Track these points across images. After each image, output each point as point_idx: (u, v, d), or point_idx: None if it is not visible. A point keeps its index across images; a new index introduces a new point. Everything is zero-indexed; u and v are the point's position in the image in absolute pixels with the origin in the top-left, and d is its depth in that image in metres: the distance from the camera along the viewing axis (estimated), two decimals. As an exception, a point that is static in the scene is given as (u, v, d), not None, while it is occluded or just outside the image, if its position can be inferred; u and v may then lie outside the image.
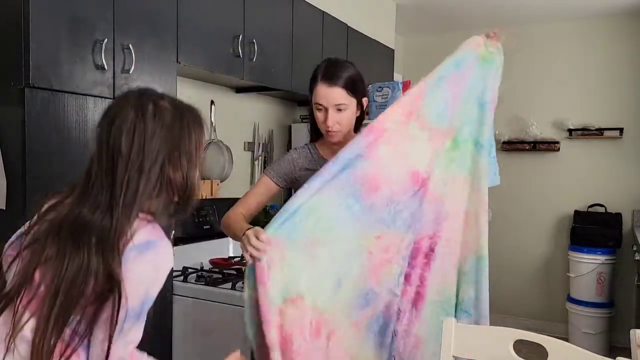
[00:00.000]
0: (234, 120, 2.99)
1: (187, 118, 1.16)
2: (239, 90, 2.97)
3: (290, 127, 3.38)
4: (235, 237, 1.59)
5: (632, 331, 1.36)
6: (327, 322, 1.52)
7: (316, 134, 1.76)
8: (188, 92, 2.60)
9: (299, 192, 1.50)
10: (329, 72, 1.63)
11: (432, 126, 1.58)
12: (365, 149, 1.52)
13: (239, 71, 2.45)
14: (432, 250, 1.61)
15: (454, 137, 1.61)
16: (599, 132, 4.20)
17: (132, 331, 1.06)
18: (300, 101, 3.40)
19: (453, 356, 1.46)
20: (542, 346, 1.38)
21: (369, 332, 1.56)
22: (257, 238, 1.44)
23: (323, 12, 3.03)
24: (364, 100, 1.71)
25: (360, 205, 1.52)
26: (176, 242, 2.15)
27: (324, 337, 1.52)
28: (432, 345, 1.58)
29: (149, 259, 1.07)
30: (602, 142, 4.24)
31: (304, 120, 3.38)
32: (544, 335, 1.39)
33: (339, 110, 1.62)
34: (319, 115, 1.65)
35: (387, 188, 1.54)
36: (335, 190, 1.51)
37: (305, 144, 1.79)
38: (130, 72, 1.86)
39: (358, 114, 1.71)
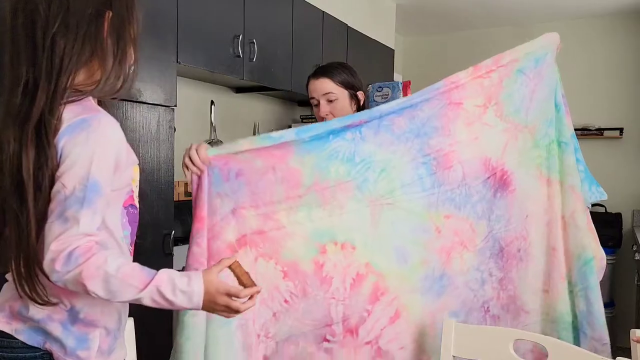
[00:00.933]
0: (234, 120, 2.99)
1: None
2: (239, 90, 2.97)
3: (290, 127, 3.37)
4: None
5: (632, 331, 1.37)
6: (393, 289, 1.43)
7: None
8: (188, 92, 2.60)
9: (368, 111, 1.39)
10: (317, 70, 1.72)
11: (509, 118, 1.52)
12: (442, 121, 1.43)
13: (239, 71, 2.45)
14: (519, 251, 1.56)
15: (534, 137, 1.57)
16: (599, 132, 4.20)
17: (79, 219, 0.93)
18: (300, 101, 3.40)
19: (453, 356, 1.46)
20: (542, 346, 1.38)
21: None
22: (197, 153, 1.33)
23: (323, 12, 3.02)
24: (360, 94, 1.72)
25: (431, 179, 1.44)
26: (176, 242, 2.15)
27: (386, 304, 1.43)
28: None
29: (83, 138, 0.96)
30: (602, 142, 4.24)
31: (304, 120, 3.38)
32: (544, 336, 1.39)
33: (330, 101, 1.66)
34: (316, 111, 1.70)
35: (460, 168, 1.47)
36: (409, 155, 1.41)
37: None
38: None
39: (355, 108, 1.71)
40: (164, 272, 0.98)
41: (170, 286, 0.97)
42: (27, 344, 1.03)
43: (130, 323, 1.39)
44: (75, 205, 0.94)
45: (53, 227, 0.94)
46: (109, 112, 1.06)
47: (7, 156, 0.96)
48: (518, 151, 1.55)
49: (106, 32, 1.04)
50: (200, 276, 1.00)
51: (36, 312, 1.02)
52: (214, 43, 2.30)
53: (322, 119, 1.65)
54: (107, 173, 0.99)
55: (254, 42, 2.48)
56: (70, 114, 0.98)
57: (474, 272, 1.52)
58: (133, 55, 1.12)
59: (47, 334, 1.03)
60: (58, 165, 0.96)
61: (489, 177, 1.52)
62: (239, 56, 2.41)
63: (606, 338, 1.54)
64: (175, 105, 2.08)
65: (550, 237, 1.57)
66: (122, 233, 1.11)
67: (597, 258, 1.56)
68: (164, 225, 2.04)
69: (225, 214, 1.34)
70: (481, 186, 1.51)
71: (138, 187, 1.21)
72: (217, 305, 1.01)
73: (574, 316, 1.55)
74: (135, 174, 1.15)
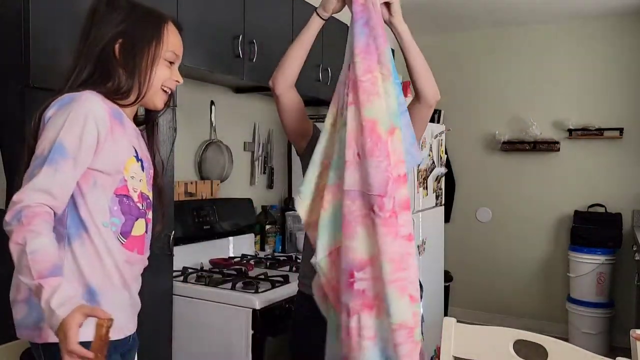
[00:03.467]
0: (234, 120, 2.99)
1: (143, 10, 1.24)
2: (239, 90, 2.97)
3: (290, 127, 3.38)
4: (299, 42, 1.65)
5: (632, 331, 1.36)
6: None
7: None
8: (188, 92, 2.61)
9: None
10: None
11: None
12: None
13: (239, 71, 2.45)
14: None
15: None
16: (599, 132, 4.20)
17: (39, 176, 1.05)
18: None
19: (453, 356, 1.46)
20: (542, 346, 1.38)
21: None
22: None
23: (323, 12, 3.02)
24: None
25: None
26: (176, 242, 2.15)
27: None
28: None
29: (63, 110, 1.11)
30: (602, 142, 4.24)
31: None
32: (544, 335, 1.39)
33: None
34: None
35: None
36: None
37: None
38: (130, 72, 1.86)
39: None
40: (57, 280, 0.99)
41: (47, 294, 0.98)
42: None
43: (130, 323, 1.39)
44: (39, 164, 1.06)
45: (23, 182, 1.06)
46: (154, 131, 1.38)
47: None
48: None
49: (117, 55, 1.21)
50: (74, 305, 0.97)
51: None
52: (214, 43, 2.30)
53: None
54: (75, 139, 1.10)
55: (254, 42, 2.48)
56: (62, 96, 1.15)
57: None
58: (151, 76, 1.24)
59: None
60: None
61: None
62: (239, 56, 2.41)
63: None
64: (175, 105, 2.08)
65: None
66: (108, 219, 1.17)
67: None
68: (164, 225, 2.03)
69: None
70: None
71: (142, 182, 1.25)
72: (59, 332, 0.97)
73: None
74: (130, 165, 1.21)
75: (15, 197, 1.03)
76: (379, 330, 1.35)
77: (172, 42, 1.27)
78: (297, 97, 1.69)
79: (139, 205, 1.24)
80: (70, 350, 0.95)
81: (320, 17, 1.58)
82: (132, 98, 1.23)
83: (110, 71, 1.20)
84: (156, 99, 1.28)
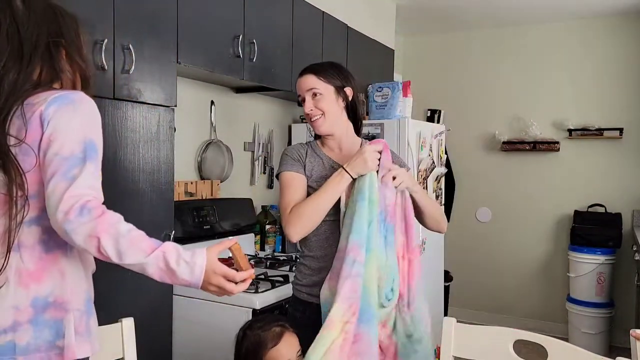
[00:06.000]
0: (234, 120, 2.99)
1: (56, 8, 1.17)
2: (239, 90, 2.97)
3: (290, 127, 3.38)
4: (328, 199, 1.55)
5: (632, 331, 1.37)
6: None
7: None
8: (188, 92, 2.61)
9: None
10: (304, 68, 1.75)
11: None
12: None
13: (239, 71, 2.45)
14: None
15: None
16: (599, 132, 4.21)
17: (83, 175, 1.00)
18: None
19: (453, 356, 1.46)
20: (542, 346, 1.38)
21: None
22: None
23: (323, 12, 3.02)
24: (347, 89, 1.70)
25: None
26: (176, 242, 2.15)
27: None
28: None
29: (70, 109, 1.05)
30: (602, 142, 4.24)
31: (304, 120, 3.38)
32: (544, 335, 1.39)
33: (314, 95, 1.67)
34: (303, 108, 1.71)
35: None
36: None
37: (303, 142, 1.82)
38: (131, 73, 1.86)
39: (344, 104, 1.70)
40: (170, 243, 1.03)
41: (175, 255, 1.01)
42: None
43: (130, 323, 1.39)
44: (78, 164, 1.01)
45: (59, 184, 0.98)
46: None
47: None
48: None
49: (65, 56, 1.15)
50: (204, 251, 1.06)
51: (2, 320, 1.02)
52: (214, 43, 2.30)
53: (308, 116, 1.69)
54: (100, 136, 1.08)
55: (254, 42, 2.48)
56: (47, 93, 1.07)
57: None
58: (85, 62, 1.21)
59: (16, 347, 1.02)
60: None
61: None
62: (239, 56, 2.41)
63: None
64: (175, 105, 2.08)
65: None
66: None
67: None
68: (164, 225, 2.04)
69: None
70: None
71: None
72: (210, 284, 1.06)
73: None
74: None
75: (66, 195, 0.97)
76: None
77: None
78: None
79: None
80: (239, 279, 1.07)
81: (351, 177, 1.55)
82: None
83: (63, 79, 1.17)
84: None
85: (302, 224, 1.54)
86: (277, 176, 1.69)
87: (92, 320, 1.14)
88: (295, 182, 1.63)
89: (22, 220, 1.02)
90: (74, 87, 1.15)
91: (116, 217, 1.00)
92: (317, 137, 1.78)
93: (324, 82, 1.67)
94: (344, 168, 1.55)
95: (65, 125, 1.03)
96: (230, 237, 1.20)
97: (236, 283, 1.09)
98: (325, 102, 1.66)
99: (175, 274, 1.01)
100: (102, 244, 0.97)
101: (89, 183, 1.00)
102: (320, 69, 1.69)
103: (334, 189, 1.54)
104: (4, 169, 1.02)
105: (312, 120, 1.68)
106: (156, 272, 1.01)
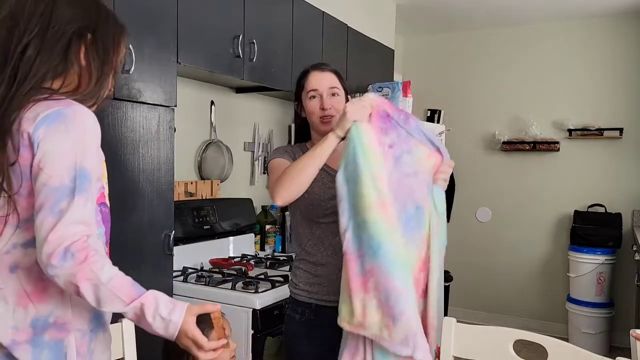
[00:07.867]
0: (234, 120, 2.99)
1: (107, 10, 1.11)
2: (239, 90, 2.97)
3: (290, 127, 3.38)
4: (313, 161, 1.47)
5: (632, 331, 1.37)
6: None
7: (304, 134, 1.74)
8: (188, 92, 2.61)
9: None
10: (319, 64, 1.71)
11: None
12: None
13: (239, 71, 2.45)
14: None
15: None
16: (599, 132, 4.21)
17: (72, 209, 0.95)
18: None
19: (453, 356, 1.46)
20: (542, 346, 1.38)
21: None
22: None
23: (323, 12, 3.02)
24: (349, 97, 1.70)
25: None
26: (176, 242, 2.15)
27: None
28: None
29: (62, 129, 0.98)
30: (602, 142, 4.24)
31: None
32: (544, 335, 1.39)
33: (333, 94, 1.63)
34: (313, 103, 1.63)
35: None
36: None
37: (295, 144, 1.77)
38: (130, 72, 1.86)
39: None
40: (152, 293, 1.00)
41: (152, 309, 0.99)
42: None
43: (130, 323, 1.39)
44: (67, 196, 0.96)
45: (46, 220, 0.95)
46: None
47: None
48: None
49: (83, 52, 1.07)
50: (183, 309, 1.02)
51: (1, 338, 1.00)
52: (214, 43, 2.30)
53: (324, 112, 1.61)
54: (92, 161, 1.02)
55: (254, 42, 2.48)
56: (42, 107, 1.00)
57: None
58: (110, 84, 1.14)
59: None
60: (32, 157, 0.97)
61: None
62: (239, 56, 2.41)
63: None
64: (175, 105, 2.08)
65: None
66: (97, 230, 1.08)
67: None
68: (164, 225, 2.04)
69: None
70: None
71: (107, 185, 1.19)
72: (181, 342, 1.04)
73: None
74: (104, 170, 1.15)
75: (50, 237, 0.93)
76: None
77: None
78: None
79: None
80: (207, 349, 1.03)
81: (338, 137, 1.48)
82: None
83: (79, 76, 1.09)
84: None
85: (286, 184, 1.46)
86: (267, 166, 1.67)
87: (101, 336, 1.12)
88: (285, 166, 1.55)
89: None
90: (77, 87, 1.07)
91: (99, 263, 0.96)
92: (307, 139, 1.74)
93: (342, 84, 1.67)
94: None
95: (56, 149, 0.97)
96: (216, 303, 1.16)
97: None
98: (341, 103, 1.63)
99: (150, 327, 1.00)
100: (82, 291, 0.95)
101: (78, 217, 0.96)
102: (338, 71, 1.68)
103: (321, 150, 1.46)
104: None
105: (327, 118, 1.61)
106: (134, 319, 1.01)
